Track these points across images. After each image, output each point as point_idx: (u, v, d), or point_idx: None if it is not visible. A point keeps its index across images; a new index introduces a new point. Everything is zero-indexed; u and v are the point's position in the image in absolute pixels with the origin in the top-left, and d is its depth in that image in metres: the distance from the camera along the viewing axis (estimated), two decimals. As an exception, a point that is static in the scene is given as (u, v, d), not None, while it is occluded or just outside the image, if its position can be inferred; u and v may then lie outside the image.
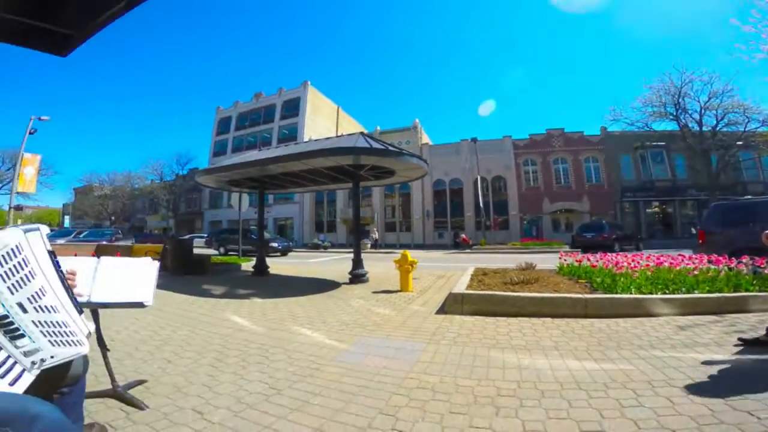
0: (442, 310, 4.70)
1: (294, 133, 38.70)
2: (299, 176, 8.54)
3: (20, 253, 1.10)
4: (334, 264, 13.94)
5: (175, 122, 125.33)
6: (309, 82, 40.43)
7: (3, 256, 1.06)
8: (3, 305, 1.06)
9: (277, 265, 10.83)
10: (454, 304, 4.57)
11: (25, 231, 1.13)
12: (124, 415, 2.06)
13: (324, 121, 42.11)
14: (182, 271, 9.19)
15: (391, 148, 7.50)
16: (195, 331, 3.89)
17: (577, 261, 6.56)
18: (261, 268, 9.31)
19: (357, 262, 7.73)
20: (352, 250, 8.43)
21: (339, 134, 38.17)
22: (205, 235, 29.49)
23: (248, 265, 11.15)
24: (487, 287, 5.21)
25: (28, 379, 1.09)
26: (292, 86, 41.60)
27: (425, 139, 34.31)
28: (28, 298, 1.11)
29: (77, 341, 1.22)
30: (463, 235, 25.50)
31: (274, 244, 19.39)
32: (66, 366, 1.29)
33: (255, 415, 2.02)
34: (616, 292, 4.48)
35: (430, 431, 1.86)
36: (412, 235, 31.69)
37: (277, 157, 7.34)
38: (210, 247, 21.85)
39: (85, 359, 1.45)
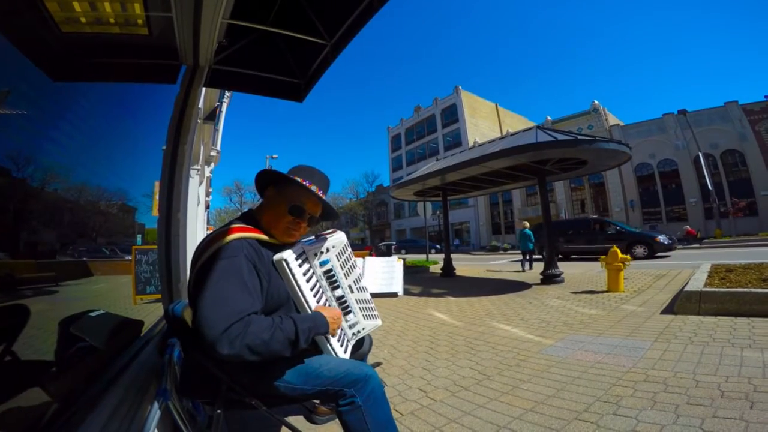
0: (669, 311, 4.05)
1: (458, 138, 39.26)
2: (479, 180, 8.77)
3: (348, 249, 1.50)
4: (519, 265, 13.37)
5: (359, 144, 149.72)
6: (460, 87, 40.38)
7: (341, 249, 1.45)
8: (341, 287, 1.41)
9: (460, 267, 11.27)
10: (686, 304, 3.88)
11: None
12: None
13: (484, 121, 41.14)
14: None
15: (580, 136, 6.89)
16: (408, 324, 4.60)
17: None
18: (448, 270, 9.97)
19: (549, 262, 7.36)
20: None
21: (504, 131, 36.40)
22: (393, 243, 33.13)
23: (435, 267, 12.06)
24: (736, 284, 4.12)
25: (348, 348, 1.37)
26: (445, 94, 42.44)
27: (613, 120, 29.17)
28: (354, 281, 1.47)
29: (376, 315, 1.60)
30: (688, 227, 20.01)
31: (662, 239, 12.55)
32: (360, 342, 1.54)
33: (469, 396, 2.31)
34: None
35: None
36: (613, 231, 26.95)
37: (456, 165, 7.66)
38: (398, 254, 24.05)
39: (371, 342, 1.69)
